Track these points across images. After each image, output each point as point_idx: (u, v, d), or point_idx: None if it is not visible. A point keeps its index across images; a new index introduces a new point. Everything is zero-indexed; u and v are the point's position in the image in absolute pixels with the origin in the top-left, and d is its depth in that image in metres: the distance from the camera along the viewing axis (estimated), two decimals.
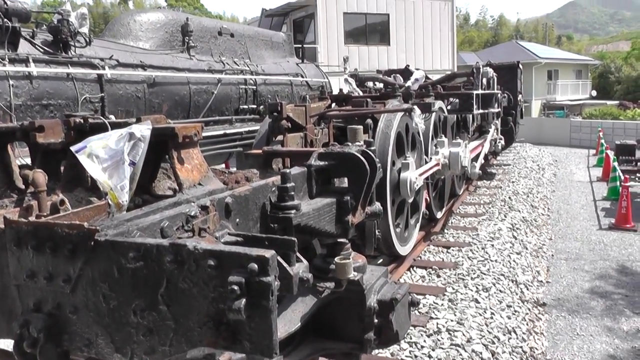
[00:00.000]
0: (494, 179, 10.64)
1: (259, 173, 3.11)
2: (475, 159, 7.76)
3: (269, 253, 1.46)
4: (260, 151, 4.00)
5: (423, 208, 5.86)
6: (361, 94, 7.25)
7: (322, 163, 2.65)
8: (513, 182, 10.41)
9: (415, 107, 5.02)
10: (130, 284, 1.52)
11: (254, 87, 8.81)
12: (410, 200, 5.23)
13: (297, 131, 4.86)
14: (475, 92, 7.70)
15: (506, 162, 13.55)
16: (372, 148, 3.05)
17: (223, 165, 9.82)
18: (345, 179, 2.75)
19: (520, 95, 12.52)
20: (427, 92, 6.99)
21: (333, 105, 6.16)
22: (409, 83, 7.50)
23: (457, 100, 7.55)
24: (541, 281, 5.74)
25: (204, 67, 7.65)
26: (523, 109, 13.62)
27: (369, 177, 2.64)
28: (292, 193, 2.20)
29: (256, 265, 1.43)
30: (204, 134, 7.32)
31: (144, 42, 7.08)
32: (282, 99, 9.62)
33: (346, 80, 7.38)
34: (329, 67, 17.49)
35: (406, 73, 9.59)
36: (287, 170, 2.22)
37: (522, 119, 13.44)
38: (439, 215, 6.93)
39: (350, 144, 2.80)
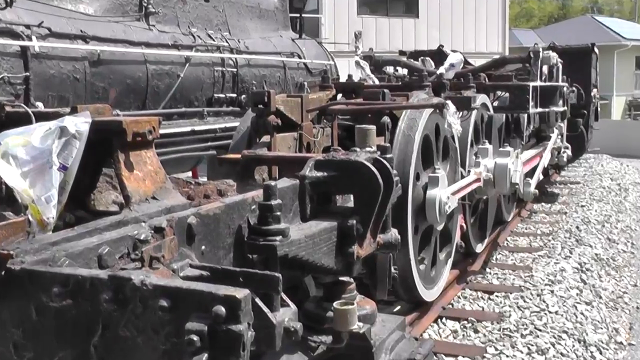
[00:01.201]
0: (557, 202, 10.67)
1: (236, 185, 3.13)
2: (531, 174, 7.79)
3: (241, 293, 1.47)
4: (238, 156, 4.02)
5: (457, 238, 5.86)
6: (377, 82, 7.29)
7: (320, 174, 2.67)
8: (583, 206, 10.44)
9: (450, 102, 5.05)
10: (53, 330, 1.52)
11: (234, 69, 8.85)
12: (440, 228, 5.24)
13: (289, 130, 4.88)
14: (532, 83, 7.76)
15: (574, 179, 13.60)
16: (389, 156, 3.08)
17: (189, 174, 9.85)
18: (351, 197, 2.77)
19: (595, 90, 12.58)
20: (466, 83, 7.03)
21: (339, 96, 6.18)
22: (441, 70, 7.55)
23: (507, 95, 7.59)
24: (620, 343, 5.72)
25: (167, 41, 7.71)
26: (599, 108, 13.70)
27: (382, 195, 2.67)
28: (278, 213, 2.22)
29: (224, 309, 1.44)
30: (163, 131, 7.40)
31: (87, 6, 7.14)
32: (272, 86, 9.66)
33: (357, 64, 7.43)
34: (336, 46, 17.60)
35: (439, 56, 9.66)
36: (273, 183, 2.24)
37: (596, 122, 13.50)
38: (478, 248, 6.94)
39: (358, 149, 2.83)
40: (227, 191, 3.02)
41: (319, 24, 18.77)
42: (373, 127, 3.22)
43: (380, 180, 2.63)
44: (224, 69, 8.71)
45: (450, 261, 5.80)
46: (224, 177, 3.79)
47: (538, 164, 8.23)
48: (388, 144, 3.31)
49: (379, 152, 3.09)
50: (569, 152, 10.51)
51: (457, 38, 21.46)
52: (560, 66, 9.33)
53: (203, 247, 2.13)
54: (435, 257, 5.41)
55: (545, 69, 8.63)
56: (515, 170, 6.59)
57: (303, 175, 2.64)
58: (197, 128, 7.90)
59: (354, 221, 2.62)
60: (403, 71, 9.55)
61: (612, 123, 23.02)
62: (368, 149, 2.83)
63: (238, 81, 9.08)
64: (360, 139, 3.17)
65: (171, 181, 2.54)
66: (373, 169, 2.64)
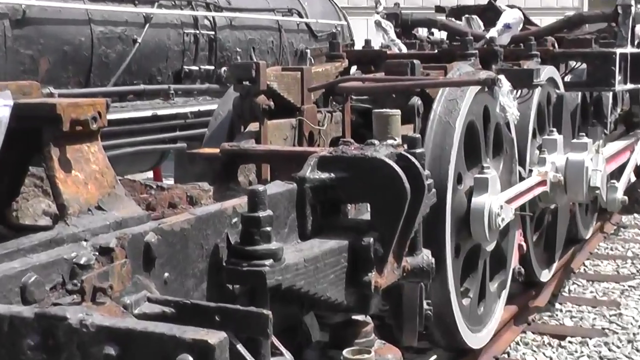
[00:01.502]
0: None
1: (212, 190, 3.14)
2: (618, 174, 7.78)
3: (216, 336, 1.48)
4: (217, 150, 4.03)
5: (514, 263, 5.86)
6: (405, 49, 7.28)
7: (325, 176, 2.69)
8: None
9: (503, 77, 5.05)
10: None
11: (211, 32, 8.87)
12: (490, 248, 5.25)
13: (285, 116, 4.89)
14: (620, 50, 7.73)
15: None
16: (419, 150, 3.09)
17: (150, 175, 9.85)
18: (367, 206, 2.78)
19: None
20: (526, 50, 7.02)
21: (353, 70, 6.17)
22: (493, 32, 7.55)
23: (585, 66, 7.58)
24: None
25: None
26: None
27: (409, 204, 2.68)
28: (269, 229, 2.24)
29: (191, 359, 1.45)
30: (114, 117, 7.39)
31: None
32: (262, 55, 9.67)
33: (378, 25, 7.43)
34: (350, 1, 17.62)
35: (490, 13, 9.62)
36: (261, 188, 2.25)
37: None
38: (544, 276, 6.92)
39: (377, 141, 2.84)
40: (201, 198, 3.04)
41: None
42: (397, 112, 3.23)
43: (407, 184, 2.64)
44: (197, 31, 8.72)
45: (504, 294, 5.79)
46: (196, 179, 3.79)
47: (628, 161, 8.19)
48: (418, 135, 3.32)
49: (405, 146, 3.10)
50: None
51: None
52: None
53: (166, 275, 2.14)
54: (483, 288, 5.41)
55: (638, 29, 8.59)
56: (595, 170, 6.56)
57: (302, 178, 2.66)
58: (160, 112, 7.92)
59: (371, 239, 2.64)
60: (441, 35, 9.54)
61: None
62: (390, 141, 2.84)
63: (216, 48, 9.08)
64: (380, 127, 3.19)
65: (124, 185, 2.56)
66: (397, 168, 2.65)
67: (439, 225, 4.62)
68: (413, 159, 2.82)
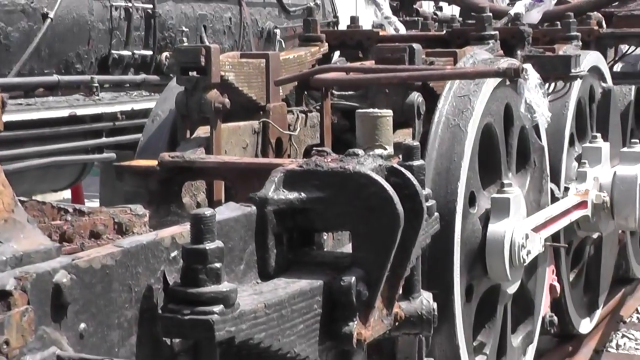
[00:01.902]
0: None
1: (147, 215, 3.15)
2: None
3: None
4: (154, 162, 4.04)
5: (545, 309, 5.88)
6: (403, 30, 7.30)
7: (293, 196, 2.71)
8: None
9: (529, 66, 5.08)
10: None
11: (149, 5, 8.87)
12: (513, 290, 5.29)
13: (245, 117, 4.95)
14: None
15: None
16: (418, 163, 3.12)
17: (67, 194, 9.82)
18: (348, 235, 2.79)
19: None
20: (563, 31, 7.07)
21: (335, 57, 6.21)
22: (518, 7, 7.60)
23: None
24: None
25: None
26: None
27: (403, 233, 2.70)
28: (217, 265, 2.24)
29: None
30: (19, 118, 7.37)
31: None
32: (217, 37, 9.68)
33: None
34: None
35: None
36: (207, 212, 2.26)
37: None
38: (584, 327, 6.96)
39: (361, 151, 2.87)
40: (133, 226, 3.06)
41: None
42: (389, 112, 3.26)
43: (399, 207, 2.67)
44: (130, 4, 8.72)
45: (532, 350, 5.82)
46: (128, 200, 3.81)
47: None
48: (417, 142, 3.35)
49: (398, 157, 3.12)
50: None
51: None
52: None
53: (82, 326, 2.14)
54: (504, 342, 5.43)
55: None
56: None
57: (264, 198, 2.68)
58: (80, 112, 7.91)
59: (353, 279, 2.65)
60: (450, 11, 9.60)
61: None
62: (379, 151, 2.85)
63: (155, 27, 9.07)
64: (366, 133, 3.22)
65: (29, 208, 2.56)
66: (386, 186, 2.68)
67: (445, 260, 4.65)
68: (408, 174, 2.85)
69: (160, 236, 2.37)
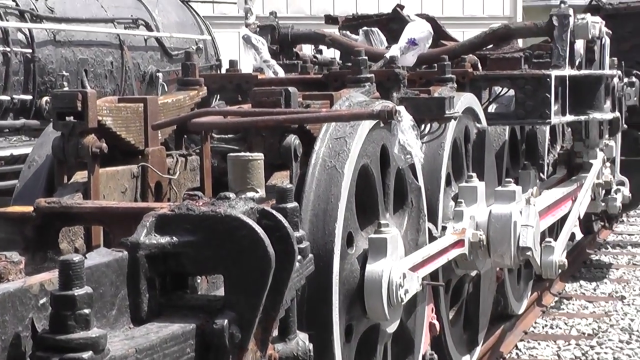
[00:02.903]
0: (605, 280, 10.89)
1: (23, 262, 3.13)
2: (554, 231, 7.96)
3: None
4: (30, 208, 4.00)
5: (425, 347, 5.92)
6: (281, 72, 7.34)
7: (165, 240, 2.73)
8: None
9: (402, 108, 5.13)
10: None
11: (28, 50, 8.81)
12: (392, 329, 5.32)
13: (123, 161, 4.93)
14: (555, 72, 7.94)
15: (638, 237, 14.01)
16: (290, 205, 3.15)
17: None
18: (221, 279, 2.82)
19: None
20: (438, 73, 7.18)
21: (215, 101, 6.25)
22: (394, 51, 7.69)
23: (513, 93, 7.78)
24: None
25: None
26: None
27: (275, 275, 2.73)
28: (86, 311, 2.23)
29: None
30: None
31: None
32: (98, 81, 9.64)
33: (247, 40, 7.50)
34: (216, 7, 17.67)
35: (395, 26, 9.82)
36: (75, 258, 2.24)
37: None
38: None
39: (232, 195, 2.90)
40: (8, 273, 3.03)
41: None
42: (260, 156, 3.30)
43: (270, 249, 2.70)
44: (8, 48, 8.63)
45: None
46: (3, 247, 3.75)
47: (569, 214, 8.40)
48: (290, 185, 3.38)
49: (272, 200, 3.15)
50: (625, 191, 10.74)
51: None
52: (608, 40, 9.56)
53: None
54: None
55: (580, 45, 8.81)
56: (525, 225, 6.74)
57: (135, 243, 2.69)
58: None
59: (226, 321, 2.67)
60: (330, 53, 9.68)
61: None
62: (251, 194, 2.89)
63: (35, 72, 8.99)
64: (238, 176, 3.25)
65: None
66: (257, 229, 2.71)
67: (324, 301, 4.65)
68: (280, 217, 2.89)
69: (28, 283, 2.34)
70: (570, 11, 8.49)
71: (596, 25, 8.93)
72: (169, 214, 2.78)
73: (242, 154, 3.29)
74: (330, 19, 11.41)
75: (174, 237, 2.74)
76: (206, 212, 2.75)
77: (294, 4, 19.71)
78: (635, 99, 11.63)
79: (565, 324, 9.16)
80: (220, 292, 2.92)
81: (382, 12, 11.42)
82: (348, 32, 10.16)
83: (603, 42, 9.39)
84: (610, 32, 9.67)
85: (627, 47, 11.54)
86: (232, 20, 16.72)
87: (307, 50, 9.79)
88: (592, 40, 9.04)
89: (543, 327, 9.07)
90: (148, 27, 10.68)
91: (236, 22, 14.71)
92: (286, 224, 2.88)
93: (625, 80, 10.89)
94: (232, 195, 2.92)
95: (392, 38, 8.86)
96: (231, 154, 3.32)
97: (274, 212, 2.89)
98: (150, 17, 10.77)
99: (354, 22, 10.82)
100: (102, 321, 2.46)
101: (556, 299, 10.01)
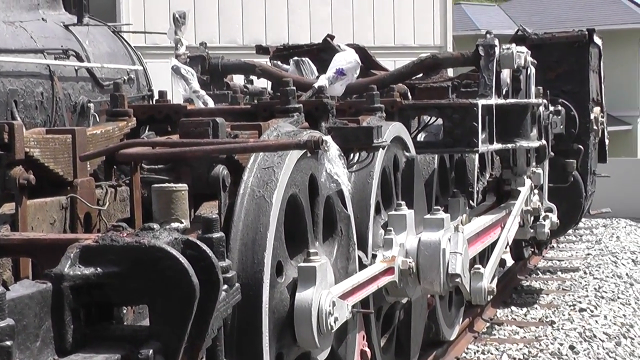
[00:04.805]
0: (536, 305, 10.99)
1: None
2: (485, 257, 8.03)
3: None
4: None
5: None
6: (211, 103, 7.36)
7: (90, 271, 2.74)
8: (583, 310, 10.81)
9: (328, 138, 5.19)
10: None
11: None
12: (323, 357, 5.35)
13: (52, 193, 4.91)
14: (482, 101, 8.03)
15: (568, 263, 14.11)
16: (216, 235, 3.18)
17: None
18: (146, 309, 2.84)
19: (596, 109, 13.01)
20: (366, 102, 7.24)
21: (145, 132, 6.30)
22: (322, 81, 7.79)
23: (441, 122, 7.85)
24: None
25: None
26: (607, 141, 14.14)
27: (199, 305, 2.76)
28: (8, 344, 2.25)
29: None
30: None
31: None
32: (28, 112, 9.57)
33: (177, 71, 7.52)
34: (149, 37, 17.65)
35: (325, 56, 9.85)
36: None
37: (604, 163, 13.97)
38: None
39: (156, 225, 2.93)
40: None
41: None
42: (184, 187, 3.33)
43: (194, 279, 2.73)
44: None
45: None
46: None
47: (497, 240, 8.52)
48: (215, 215, 3.40)
49: (197, 231, 3.16)
50: (554, 217, 10.90)
51: (360, 24, 21.94)
52: (533, 69, 9.71)
53: None
54: None
55: (506, 75, 8.95)
56: (454, 252, 6.82)
57: (59, 274, 2.70)
58: None
59: (151, 351, 2.69)
60: (260, 84, 9.71)
61: (635, 164, 23.56)
62: (176, 224, 2.92)
63: None
64: (162, 207, 3.28)
65: None
66: (181, 259, 2.74)
67: (254, 330, 4.68)
68: (204, 247, 2.91)
69: None
70: (496, 41, 8.67)
71: (521, 55, 9.07)
72: (92, 245, 2.79)
73: (166, 184, 3.31)
74: (261, 49, 11.47)
75: (98, 268, 2.75)
76: (130, 243, 2.77)
77: (227, 34, 19.69)
78: (561, 127, 11.85)
79: (497, 349, 9.27)
80: (147, 322, 2.91)
81: (314, 42, 11.49)
82: (279, 62, 10.22)
83: (529, 72, 9.52)
84: (536, 62, 9.83)
85: (553, 76, 11.79)
86: (164, 50, 16.69)
87: (238, 80, 9.82)
88: (518, 70, 9.18)
89: (475, 353, 9.17)
90: (79, 58, 10.59)
91: (168, 52, 14.68)
92: (210, 253, 2.91)
93: (551, 108, 11.09)
94: (156, 225, 2.94)
95: (323, 68, 8.86)
96: (155, 185, 3.33)
97: (198, 242, 2.91)
98: (80, 47, 10.68)
99: (285, 52, 10.89)
100: (26, 353, 2.46)
101: (488, 324, 10.12)
